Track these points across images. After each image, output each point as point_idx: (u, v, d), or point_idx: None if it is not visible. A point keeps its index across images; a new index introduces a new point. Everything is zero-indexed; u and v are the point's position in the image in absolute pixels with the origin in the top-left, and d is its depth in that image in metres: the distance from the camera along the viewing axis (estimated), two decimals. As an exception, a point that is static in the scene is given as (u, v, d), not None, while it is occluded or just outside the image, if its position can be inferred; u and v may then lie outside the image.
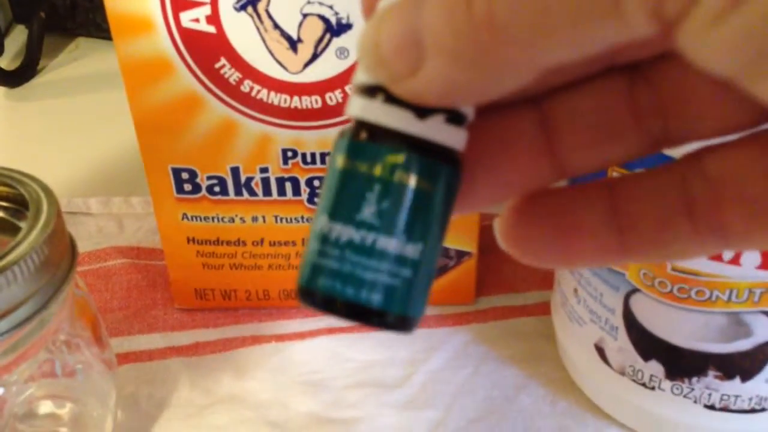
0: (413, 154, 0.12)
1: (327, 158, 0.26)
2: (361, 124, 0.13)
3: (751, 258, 0.21)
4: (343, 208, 0.13)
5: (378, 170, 0.13)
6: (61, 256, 0.20)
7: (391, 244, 0.13)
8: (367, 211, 0.13)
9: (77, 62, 0.49)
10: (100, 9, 0.49)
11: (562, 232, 0.14)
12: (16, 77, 0.46)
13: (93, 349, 0.23)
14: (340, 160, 0.13)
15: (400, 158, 0.13)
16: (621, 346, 0.25)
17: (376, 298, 0.13)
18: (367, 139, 0.13)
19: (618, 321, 0.24)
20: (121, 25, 0.24)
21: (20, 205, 0.21)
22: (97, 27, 0.50)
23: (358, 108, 0.13)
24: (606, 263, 0.22)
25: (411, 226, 0.13)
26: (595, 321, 0.25)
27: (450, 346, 0.30)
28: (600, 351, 0.25)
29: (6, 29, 0.51)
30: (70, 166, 0.40)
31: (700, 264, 0.21)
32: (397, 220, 0.13)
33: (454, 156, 0.13)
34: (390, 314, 0.13)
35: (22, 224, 0.21)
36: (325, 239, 0.13)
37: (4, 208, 0.22)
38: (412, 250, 0.13)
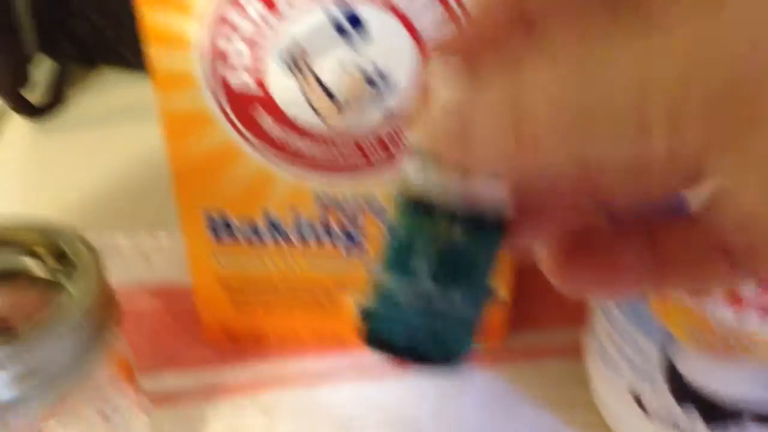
0: (462, 221, 0.14)
1: (386, 215, 0.26)
2: (417, 190, 0.15)
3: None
4: (400, 262, 0.15)
5: (432, 231, 0.15)
6: (104, 314, 0.21)
7: (440, 293, 0.15)
8: (421, 266, 0.15)
9: (101, 93, 0.49)
10: (124, 40, 0.50)
11: (605, 269, 0.16)
12: (43, 109, 0.47)
13: (129, 395, 0.23)
14: (397, 219, 0.15)
15: (451, 223, 0.15)
16: (659, 396, 0.25)
17: (427, 342, 0.15)
18: (422, 204, 0.15)
19: (655, 369, 0.24)
20: (165, 79, 0.25)
21: (62, 260, 0.22)
22: (121, 58, 0.50)
23: (417, 175, 0.15)
24: (644, 293, 0.23)
25: (460, 278, 0.15)
26: (632, 368, 0.25)
27: (481, 386, 0.30)
28: (636, 397, 0.26)
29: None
30: (96, 198, 0.41)
31: (745, 321, 0.21)
32: (448, 273, 0.15)
33: (500, 220, 0.15)
34: (440, 355, 0.15)
35: (64, 280, 0.21)
36: (381, 288, 0.15)
37: (49, 266, 0.22)
38: (460, 299, 0.15)
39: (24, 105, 0.45)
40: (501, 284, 0.30)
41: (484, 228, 0.15)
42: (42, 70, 0.50)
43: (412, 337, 0.15)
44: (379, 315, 0.15)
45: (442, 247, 0.15)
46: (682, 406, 0.25)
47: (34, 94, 0.47)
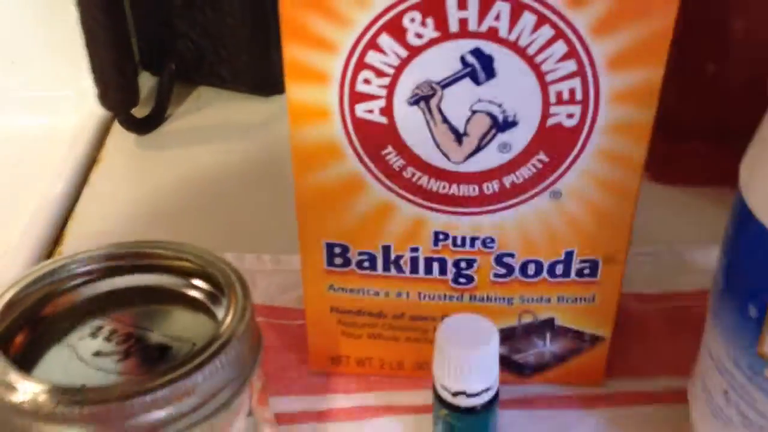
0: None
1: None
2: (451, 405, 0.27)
3: None
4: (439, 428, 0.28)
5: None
6: (252, 342, 0.22)
7: None
8: None
9: (201, 111, 0.51)
10: (223, 62, 0.52)
11: None
12: (146, 125, 0.49)
13: (266, 416, 0.24)
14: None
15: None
16: (772, 453, 0.25)
17: None
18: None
19: (771, 428, 0.24)
20: (299, 112, 0.26)
21: (216, 286, 0.23)
22: (220, 78, 0.52)
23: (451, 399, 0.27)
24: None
25: None
26: (745, 425, 0.25)
27: (581, 428, 0.30)
28: (747, 454, 0.26)
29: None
30: (197, 217, 0.42)
31: None
32: None
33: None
34: None
35: (217, 308, 0.22)
36: None
37: (202, 290, 0.23)
38: None
39: (131, 121, 0.47)
40: (604, 327, 0.30)
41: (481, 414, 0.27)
42: (145, 88, 0.52)
43: None
44: None
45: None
46: (795, 465, 0.24)
47: (138, 110, 0.49)
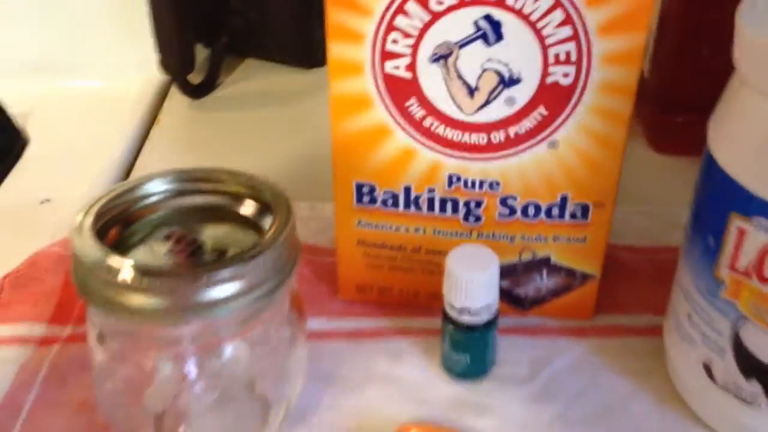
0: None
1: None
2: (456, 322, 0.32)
3: None
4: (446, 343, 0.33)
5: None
6: (291, 253, 0.27)
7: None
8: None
9: (248, 80, 0.57)
10: (271, 36, 0.57)
11: None
12: (200, 91, 0.54)
13: (300, 329, 0.29)
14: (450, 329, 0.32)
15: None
16: (727, 366, 0.29)
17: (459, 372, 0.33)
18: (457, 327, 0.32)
19: (726, 343, 0.29)
20: (338, 67, 0.31)
21: (263, 206, 0.28)
22: (267, 51, 0.58)
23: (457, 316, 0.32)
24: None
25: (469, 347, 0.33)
26: (705, 343, 0.30)
27: (570, 354, 0.35)
28: (707, 369, 0.30)
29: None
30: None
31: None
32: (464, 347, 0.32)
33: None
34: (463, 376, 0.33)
35: (264, 222, 0.27)
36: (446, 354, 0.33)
37: (252, 209, 0.28)
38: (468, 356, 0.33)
39: (187, 86, 0.53)
40: (593, 266, 0.35)
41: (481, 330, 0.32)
42: (200, 58, 0.57)
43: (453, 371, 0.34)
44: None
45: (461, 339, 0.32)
46: (747, 379, 0.29)
47: (193, 77, 0.54)
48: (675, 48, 0.45)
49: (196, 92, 0.54)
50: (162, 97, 0.55)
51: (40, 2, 0.54)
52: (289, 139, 0.50)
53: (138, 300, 0.24)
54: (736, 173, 0.27)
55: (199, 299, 0.24)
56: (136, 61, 0.55)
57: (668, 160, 0.47)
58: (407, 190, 0.33)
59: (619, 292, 0.38)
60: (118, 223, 0.28)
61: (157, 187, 0.29)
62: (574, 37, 0.29)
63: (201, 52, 0.58)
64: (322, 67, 0.56)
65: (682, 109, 0.39)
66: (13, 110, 0.51)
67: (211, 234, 0.28)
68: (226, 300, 0.25)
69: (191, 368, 0.26)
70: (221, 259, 0.26)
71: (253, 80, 0.57)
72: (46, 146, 0.51)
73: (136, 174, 0.48)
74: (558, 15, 0.28)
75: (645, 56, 0.49)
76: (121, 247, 0.27)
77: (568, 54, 0.29)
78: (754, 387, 0.29)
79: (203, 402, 0.27)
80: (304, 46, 0.56)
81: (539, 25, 0.29)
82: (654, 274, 0.38)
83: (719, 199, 0.28)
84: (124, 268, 0.25)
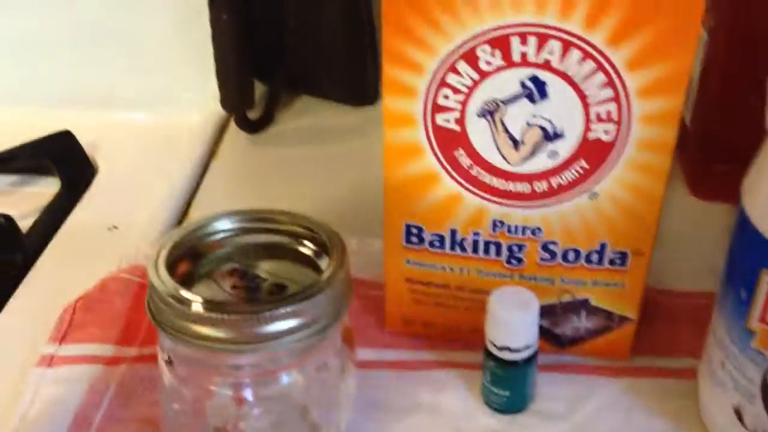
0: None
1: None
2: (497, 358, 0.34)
3: None
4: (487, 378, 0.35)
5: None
6: (345, 291, 0.29)
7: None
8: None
9: (302, 117, 0.59)
10: (325, 76, 0.60)
11: None
12: (257, 126, 0.57)
13: (350, 359, 0.31)
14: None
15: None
16: (757, 412, 0.30)
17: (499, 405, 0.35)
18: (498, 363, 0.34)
19: (756, 391, 0.30)
20: (392, 118, 0.33)
21: (319, 245, 0.30)
22: (320, 88, 0.60)
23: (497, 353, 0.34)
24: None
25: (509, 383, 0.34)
26: (736, 389, 0.31)
27: (606, 392, 0.36)
28: (738, 414, 0.31)
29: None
30: (297, 204, 0.50)
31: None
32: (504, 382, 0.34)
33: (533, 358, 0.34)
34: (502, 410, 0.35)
35: (320, 261, 0.30)
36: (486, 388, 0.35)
37: (309, 248, 0.31)
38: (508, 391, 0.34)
39: (245, 121, 0.56)
40: (631, 309, 0.36)
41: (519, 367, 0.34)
42: (258, 95, 0.60)
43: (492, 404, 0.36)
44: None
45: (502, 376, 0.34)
46: (776, 425, 0.30)
47: (251, 113, 0.57)
48: (717, 97, 0.47)
49: (253, 127, 0.57)
50: (221, 131, 0.58)
51: (110, 41, 0.58)
52: (340, 173, 0.53)
53: (205, 331, 0.27)
54: (767, 230, 0.28)
55: (259, 333, 0.27)
56: (198, 97, 0.58)
57: (708, 207, 0.49)
58: (453, 233, 0.36)
59: (655, 335, 0.39)
60: (188, 257, 0.31)
61: (223, 225, 0.32)
62: (615, 98, 0.31)
63: (259, 89, 0.61)
64: (373, 105, 0.59)
65: (723, 157, 0.41)
66: (83, 141, 0.55)
67: (271, 270, 0.31)
68: (283, 334, 0.27)
69: (249, 394, 0.29)
70: (282, 296, 0.28)
71: (307, 116, 0.59)
72: (113, 175, 0.54)
73: (197, 203, 0.51)
74: (600, 77, 0.30)
75: (687, 104, 0.50)
76: (190, 279, 0.30)
77: (609, 113, 0.31)
78: (782, 434, 0.30)
79: (259, 425, 0.29)
80: (356, 84, 0.59)
81: (582, 86, 0.31)
82: (690, 318, 0.40)
83: (751, 255, 0.29)
84: (195, 302, 0.27)
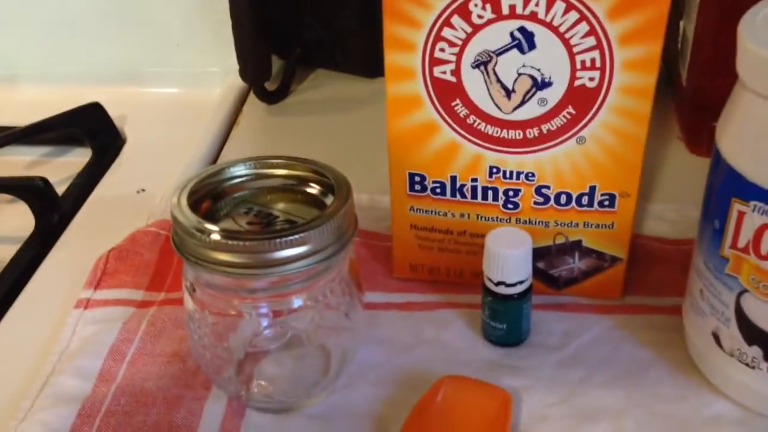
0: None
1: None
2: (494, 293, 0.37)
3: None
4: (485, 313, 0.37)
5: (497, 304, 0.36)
6: (349, 225, 0.32)
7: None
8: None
9: (317, 88, 0.62)
10: (339, 49, 0.62)
11: None
12: (275, 97, 0.60)
13: (357, 294, 0.34)
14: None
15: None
16: (732, 334, 0.33)
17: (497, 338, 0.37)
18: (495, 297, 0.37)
19: (731, 314, 0.32)
20: (393, 72, 0.36)
21: (327, 187, 0.33)
22: (335, 62, 0.63)
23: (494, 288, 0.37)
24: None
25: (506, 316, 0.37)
26: (713, 314, 0.33)
27: (598, 327, 0.39)
28: (716, 337, 0.34)
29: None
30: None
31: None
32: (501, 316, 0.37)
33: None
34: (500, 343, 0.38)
35: (327, 200, 0.33)
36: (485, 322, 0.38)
37: (318, 189, 0.34)
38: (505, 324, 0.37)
39: (264, 93, 0.59)
40: (621, 250, 0.39)
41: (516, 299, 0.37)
42: (275, 68, 0.63)
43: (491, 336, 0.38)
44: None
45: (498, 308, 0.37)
46: (749, 345, 0.32)
47: (269, 84, 0.60)
48: (709, 59, 0.49)
49: (271, 98, 0.60)
50: (241, 102, 0.61)
51: (137, 21, 0.62)
52: (353, 140, 0.56)
53: (223, 257, 0.30)
54: (737, 164, 0.31)
55: (272, 258, 0.30)
56: (219, 70, 0.62)
57: (704, 162, 0.51)
58: (453, 180, 0.38)
59: (647, 277, 0.41)
60: (207, 198, 0.34)
61: (239, 171, 0.35)
62: (598, 46, 0.33)
63: (276, 63, 0.64)
64: (383, 77, 0.61)
65: (716, 115, 0.43)
66: (112, 114, 0.58)
67: (284, 209, 0.34)
68: (293, 259, 0.30)
69: (264, 315, 0.32)
70: (291, 226, 0.31)
71: (322, 88, 0.62)
72: (140, 144, 0.58)
73: (218, 169, 0.54)
74: (583, 27, 0.33)
75: (683, 66, 0.52)
76: (210, 218, 0.33)
77: (593, 60, 0.34)
78: (755, 352, 0.32)
79: (273, 345, 0.32)
80: (367, 57, 0.62)
81: (567, 35, 0.33)
82: (681, 262, 0.42)
83: (723, 186, 0.32)
84: (214, 232, 0.30)
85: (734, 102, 0.32)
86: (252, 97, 0.61)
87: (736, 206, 0.31)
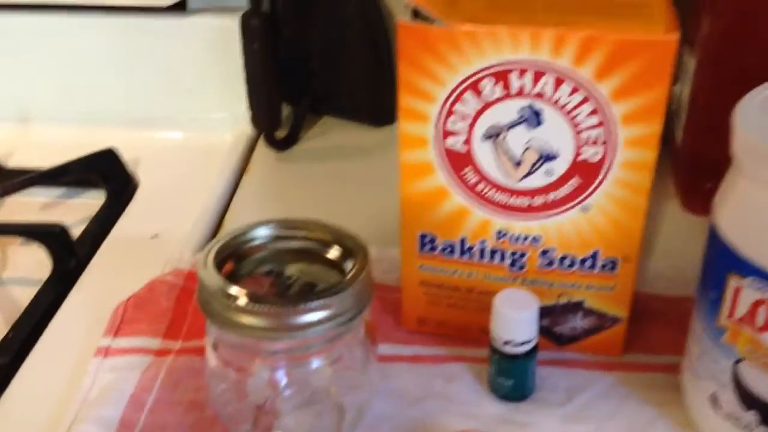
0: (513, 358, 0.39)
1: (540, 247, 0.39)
2: (501, 352, 0.39)
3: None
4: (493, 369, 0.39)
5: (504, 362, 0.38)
6: (368, 289, 0.34)
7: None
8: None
9: (326, 136, 0.64)
10: (347, 98, 0.65)
11: None
12: (284, 144, 0.62)
13: (372, 350, 0.36)
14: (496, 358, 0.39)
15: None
16: (729, 398, 0.34)
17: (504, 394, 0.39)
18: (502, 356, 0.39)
19: (728, 380, 0.34)
20: (407, 140, 0.38)
21: (346, 251, 0.35)
22: (342, 110, 0.65)
23: (501, 347, 0.39)
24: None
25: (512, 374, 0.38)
26: (712, 379, 0.35)
27: (600, 384, 0.40)
28: (714, 401, 0.35)
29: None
30: (322, 217, 0.55)
31: (784, 345, 0.31)
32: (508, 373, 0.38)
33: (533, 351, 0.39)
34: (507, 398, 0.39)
35: (345, 264, 0.34)
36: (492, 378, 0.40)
37: (336, 254, 0.35)
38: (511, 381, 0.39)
39: (273, 140, 0.61)
40: (622, 310, 0.41)
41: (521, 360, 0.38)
42: (284, 115, 0.65)
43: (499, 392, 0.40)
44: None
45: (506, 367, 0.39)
46: (747, 410, 0.34)
47: (278, 132, 0.62)
48: (705, 120, 0.51)
49: (281, 145, 0.62)
50: (251, 148, 0.63)
51: (150, 67, 0.64)
52: (361, 188, 0.58)
53: (247, 320, 0.32)
54: (733, 241, 0.32)
55: (294, 323, 0.32)
56: (230, 118, 0.64)
57: (698, 221, 0.53)
58: (462, 241, 0.40)
59: (646, 335, 0.43)
60: (231, 258, 0.35)
61: (262, 233, 0.37)
62: (601, 124, 0.35)
63: (285, 110, 0.66)
64: (390, 125, 0.63)
65: (711, 176, 0.45)
66: (126, 157, 0.60)
67: (303, 271, 0.35)
68: (314, 324, 0.32)
69: (284, 376, 0.33)
70: (314, 291, 0.33)
71: (330, 136, 0.64)
72: (153, 189, 0.59)
73: (231, 214, 0.56)
74: (588, 107, 0.35)
75: (678, 128, 0.55)
76: (233, 277, 0.35)
77: (597, 137, 0.36)
78: (751, 417, 0.34)
79: (292, 403, 0.34)
80: (375, 106, 0.64)
81: (572, 114, 0.35)
82: (678, 320, 0.44)
83: (720, 260, 0.34)
84: (240, 296, 0.32)
85: (730, 182, 0.34)
86: (262, 144, 0.62)
87: (733, 281, 0.33)
